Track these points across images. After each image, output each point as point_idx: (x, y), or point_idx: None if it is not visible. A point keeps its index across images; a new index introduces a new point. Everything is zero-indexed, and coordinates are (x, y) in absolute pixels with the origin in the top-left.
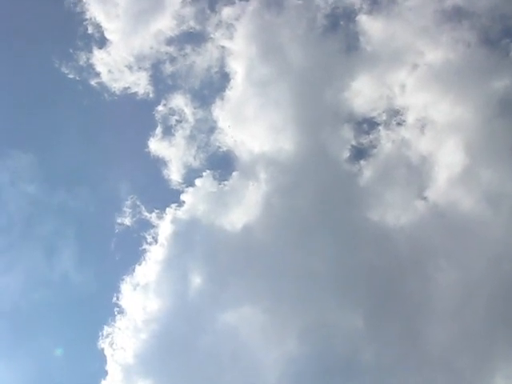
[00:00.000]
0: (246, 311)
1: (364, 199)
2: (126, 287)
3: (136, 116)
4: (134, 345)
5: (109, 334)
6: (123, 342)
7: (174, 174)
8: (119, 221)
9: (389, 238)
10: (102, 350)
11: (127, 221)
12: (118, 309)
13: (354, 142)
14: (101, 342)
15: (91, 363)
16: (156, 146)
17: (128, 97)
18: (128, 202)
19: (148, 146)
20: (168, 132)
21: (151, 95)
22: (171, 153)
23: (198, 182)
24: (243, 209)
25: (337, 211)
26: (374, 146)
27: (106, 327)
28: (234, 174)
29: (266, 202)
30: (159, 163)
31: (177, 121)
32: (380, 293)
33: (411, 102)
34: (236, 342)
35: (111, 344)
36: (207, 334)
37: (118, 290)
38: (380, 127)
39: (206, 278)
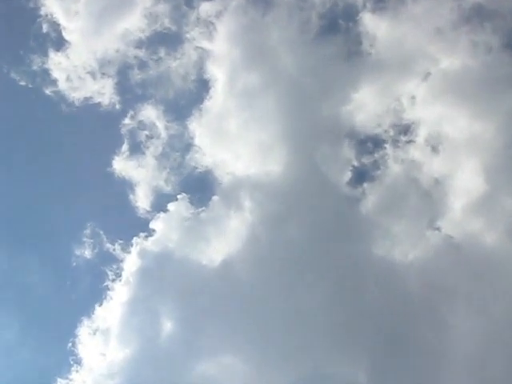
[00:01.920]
0: (227, 361)
1: (367, 230)
2: (83, 332)
3: (99, 130)
4: None
5: None
6: None
7: (143, 199)
8: (77, 253)
9: (396, 275)
10: None
11: (86, 253)
12: (73, 358)
13: (355, 163)
14: None
15: None
16: (122, 165)
17: (90, 108)
18: (87, 231)
19: (112, 166)
20: (136, 149)
21: (117, 106)
22: (139, 174)
23: (170, 206)
24: (224, 241)
25: (335, 244)
26: (379, 168)
27: (59, 380)
28: (213, 199)
29: (251, 234)
30: (125, 186)
31: (147, 136)
32: (386, 341)
33: (423, 116)
34: None
35: None
36: None
37: (73, 335)
38: (386, 145)
39: (179, 323)
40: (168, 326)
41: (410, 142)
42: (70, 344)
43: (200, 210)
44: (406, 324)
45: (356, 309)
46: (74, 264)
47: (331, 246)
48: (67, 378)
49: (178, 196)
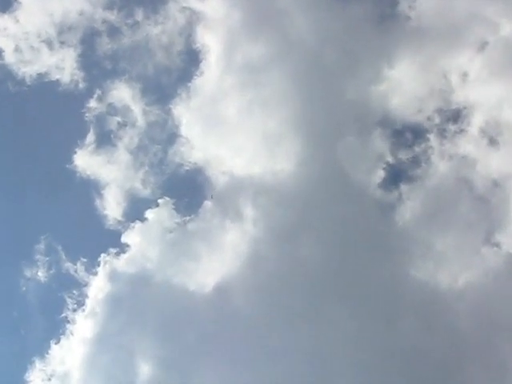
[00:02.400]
0: None
1: (404, 246)
2: (34, 377)
3: (56, 116)
4: None
5: None
6: None
7: (113, 205)
8: (27, 274)
9: (442, 305)
10: None
11: (39, 274)
12: None
13: (390, 159)
14: None
15: None
16: (86, 161)
17: (45, 87)
18: (40, 246)
19: (73, 162)
20: (105, 141)
21: (80, 85)
22: (109, 172)
23: (149, 214)
24: (218, 259)
25: (362, 265)
26: (421, 165)
27: None
28: (204, 205)
29: (253, 251)
30: (90, 188)
31: (119, 124)
32: None
33: (477, 98)
34: None
35: None
36: None
37: (22, 382)
38: (430, 136)
39: (159, 365)
40: (145, 368)
41: (460, 131)
42: None
43: (187, 218)
44: (454, 367)
45: (389, 345)
46: (24, 289)
47: (358, 267)
48: None
49: (159, 201)
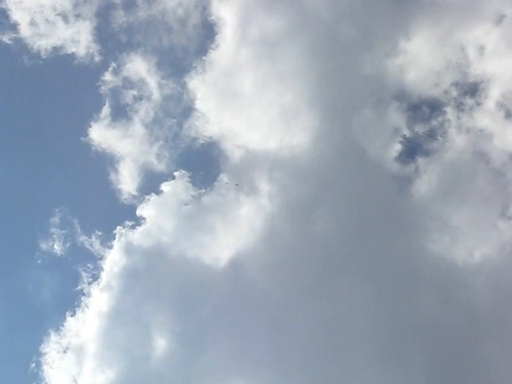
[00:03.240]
0: None
1: (420, 220)
2: (50, 349)
3: (72, 89)
4: None
5: None
6: None
7: (128, 178)
8: (42, 247)
9: (458, 279)
10: None
11: (56, 247)
12: (38, 382)
13: (406, 133)
14: None
15: None
16: (101, 134)
17: (60, 60)
18: (55, 219)
19: (88, 135)
20: (120, 114)
21: (96, 58)
22: (124, 146)
23: (164, 187)
24: (233, 233)
25: (379, 239)
26: (437, 139)
27: None
28: (219, 177)
29: (269, 225)
30: (105, 161)
31: (134, 97)
32: (444, 362)
33: (494, 71)
34: None
35: None
36: None
37: (37, 354)
38: (446, 110)
39: (174, 338)
40: (161, 342)
41: (477, 105)
42: (32, 365)
43: (202, 191)
44: (470, 341)
45: (406, 320)
46: (39, 262)
47: (374, 241)
48: None
49: (175, 173)
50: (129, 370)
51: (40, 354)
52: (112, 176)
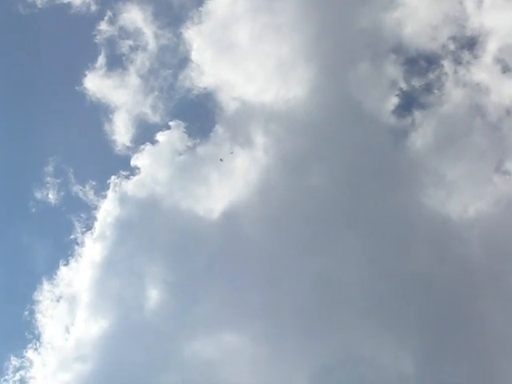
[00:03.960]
0: (230, 339)
1: (416, 174)
2: (43, 298)
3: (67, 38)
4: None
5: (18, 370)
6: (40, 382)
7: (123, 128)
8: (37, 195)
9: (453, 234)
10: None
11: (50, 196)
12: (30, 331)
13: (403, 86)
14: (4, 380)
15: None
16: (96, 84)
17: (56, 9)
18: (49, 168)
19: (83, 84)
20: (116, 64)
21: (92, 7)
22: (120, 96)
23: (160, 136)
24: (227, 185)
25: (374, 193)
26: (434, 92)
27: (12, 358)
28: (215, 129)
29: (264, 177)
30: (100, 110)
31: (130, 47)
32: (439, 318)
33: (492, 24)
34: (214, 382)
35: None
36: (169, 372)
37: (30, 301)
38: (444, 63)
39: (168, 289)
40: (154, 292)
41: (474, 59)
42: (25, 312)
43: (197, 142)
44: (465, 297)
45: (401, 276)
46: (33, 210)
47: (369, 195)
48: (22, 357)
49: (171, 123)
50: (122, 319)
51: (33, 302)
52: (106, 126)
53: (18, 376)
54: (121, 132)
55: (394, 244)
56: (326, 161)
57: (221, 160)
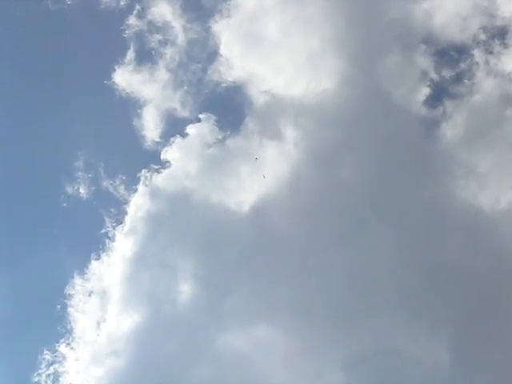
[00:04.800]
0: (261, 332)
1: (447, 165)
2: (75, 292)
3: (96, 33)
4: (90, 380)
5: (51, 364)
6: (72, 380)
7: (153, 122)
8: (68, 190)
9: (485, 225)
10: None
11: (81, 191)
12: (62, 325)
13: (434, 76)
14: (38, 375)
15: None
16: (125, 79)
17: (85, 4)
18: (79, 163)
19: (112, 79)
20: (144, 58)
21: (121, 2)
22: (149, 90)
23: (190, 129)
24: (257, 179)
25: (405, 185)
26: (465, 82)
27: (46, 352)
28: (244, 122)
29: (295, 170)
30: (129, 104)
31: (159, 42)
32: (473, 309)
33: None
34: (246, 376)
35: (53, 381)
36: (201, 366)
37: (63, 296)
38: (474, 53)
39: (199, 283)
40: (185, 287)
41: (505, 48)
42: (58, 307)
43: (227, 135)
44: (497, 288)
45: (433, 268)
46: (65, 205)
47: (400, 187)
48: (55, 351)
49: (201, 116)
50: (153, 314)
51: (65, 296)
52: (136, 120)
53: (51, 370)
54: (150, 126)
55: (425, 236)
56: (357, 153)
57: (256, 159)
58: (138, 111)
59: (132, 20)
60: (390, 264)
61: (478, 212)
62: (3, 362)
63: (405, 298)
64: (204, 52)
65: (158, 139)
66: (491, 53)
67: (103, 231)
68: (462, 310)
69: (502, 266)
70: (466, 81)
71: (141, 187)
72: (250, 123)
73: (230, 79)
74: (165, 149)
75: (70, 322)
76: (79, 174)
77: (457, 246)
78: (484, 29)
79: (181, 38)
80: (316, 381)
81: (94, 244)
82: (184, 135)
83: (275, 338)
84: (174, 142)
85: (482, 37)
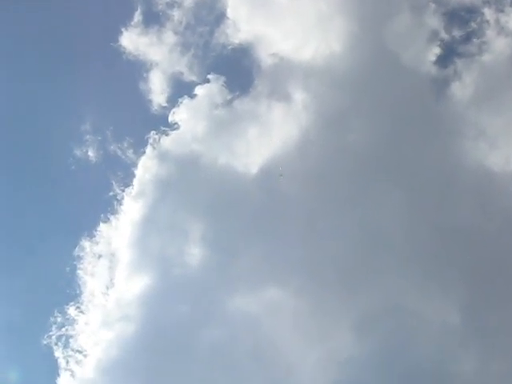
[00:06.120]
0: (271, 295)
1: (459, 126)
2: (83, 256)
3: None
4: (98, 346)
5: (62, 326)
6: (82, 343)
7: (160, 84)
8: (77, 153)
9: (496, 185)
10: (50, 348)
11: (90, 154)
12: (72, 288)
13: (444, 36)
14: (48, 337)
15: (33, 368)
16: (132, 41)
17: None
18: (87, 127)
19: (119, 42)
20: (152, 21)
21: None
22: (156, 52)
23: (198, 90)
24: (266, 140)
25: (415, 146)
26: (476, 42)
27: (57, 314)
28: (253, 84)
29: (304, 133)
30: (137, 67)
31: (167, 4)
32: (484, 268)
33: None
34: (255, 338)
35: (63, 344)
36: (212, 328)
37: (72, 258)
38: (485, 11)
39: (208, 246)
40: (195, 250)
41: None
42: (67, 269)
43: (236, 96)
44: (509, 247)
45: (443, 228)
46: (73, 167)
47: (410, 149)
48: (65, 313)
49: (209, 76)
50: (162, 277)
51: (74, 258)
52: (144, 82)
53: (62, 331)
54: (158, 89)
55: (435, 197)
56: (366, 114)
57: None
58: (145, 74)
59: None
60: (399, 225)
61: (488, 173)
62: (14, 324)
63: (415, 259)
64: (211, 14)
65: (166, 101)
66: (502, 11)
67: (111, 194)
68: (473, 270)
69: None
70: (476, 40)
71: (149, 150)
72: (259, 85)
73: (237, 42)
74: (172, 110)
75: (79, 286)
76: (87, 137)
77: (467, 207)
78: None
79: (188, 1)
80: (326, 341)
81: (102, 207)
82: (192, 96)
83: (285, 299)
84: (181, 102)
85: None
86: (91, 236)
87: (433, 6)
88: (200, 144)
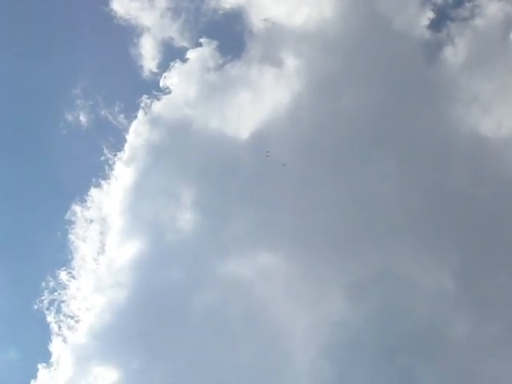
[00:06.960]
0: (263, 259)
1: (452, 90)
2: (75, 220)
3: None
4: (90, 312)
5: (54, 291)
6: (74, 308)
7: (151, 49)
8: (68, 117)
9: (489, 151)
10: (42, 313)
11: (81, 118)
12: (64, 252)
13: (437, 0)
14: (40, 302)
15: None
16: (124, 6)
17: None
18: (77, 91)
19: (110, 6)
20: None
21: None
22: (147, 17)
23: (190, 53)
24: (258, 105)
25: (408, 111)
26: (469, 5)
27: (49, 279)
28: (245, 49)
29: (296, 98)
30: (128, 31)
31: None
32: (478, 234)
33: None
34: (248, 302)
35: (55, 308)
36: (204, 292)
37: (63, 223)
38: None
39: (200, 210)
40: (187, 215)
41: None
42: (58, 233)
43: (229, 58)
44: (501, 213)
45: (437, 193)
46: (64, 132)
47: (402, 114)
48: (57, 278)
49: (201, 40)
50: (154, 242)
51: (66, 223)
52: (135, 47)
53: (54, 296)
54: (149, 54)
55: (428, 162)
56: (358, 80)
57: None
58: (136, 39)
59: None
60: (392, 191)
61: (481, 138)
62: (6, 287)
63: (409, 225)
64: None
65: (157, 66)
66: None
67: (103, 158)
68: (466, 235)
69: (506, 192)
70: (469, 4)
71: (140, 114)
72: (251, 50)
73: (229, 6)
74: (164, 74)
75: (70, 251)
76: (78, 101)
77: (460, 172)
78: None
79: None
80: (318, 306)
81: (93, 171)
82: (184, 60)
83: (277, 264)
84: (173, 66)
85: None
86: (82, 201)
87: None
88: (192, 108)
